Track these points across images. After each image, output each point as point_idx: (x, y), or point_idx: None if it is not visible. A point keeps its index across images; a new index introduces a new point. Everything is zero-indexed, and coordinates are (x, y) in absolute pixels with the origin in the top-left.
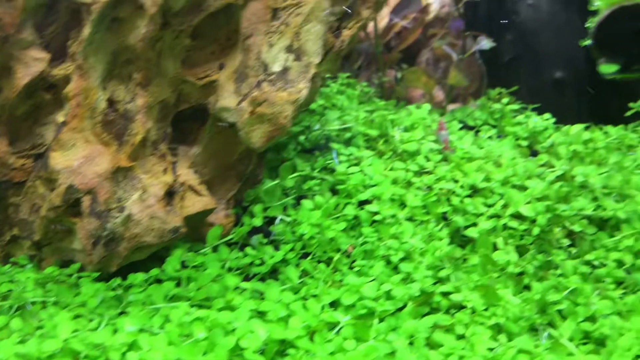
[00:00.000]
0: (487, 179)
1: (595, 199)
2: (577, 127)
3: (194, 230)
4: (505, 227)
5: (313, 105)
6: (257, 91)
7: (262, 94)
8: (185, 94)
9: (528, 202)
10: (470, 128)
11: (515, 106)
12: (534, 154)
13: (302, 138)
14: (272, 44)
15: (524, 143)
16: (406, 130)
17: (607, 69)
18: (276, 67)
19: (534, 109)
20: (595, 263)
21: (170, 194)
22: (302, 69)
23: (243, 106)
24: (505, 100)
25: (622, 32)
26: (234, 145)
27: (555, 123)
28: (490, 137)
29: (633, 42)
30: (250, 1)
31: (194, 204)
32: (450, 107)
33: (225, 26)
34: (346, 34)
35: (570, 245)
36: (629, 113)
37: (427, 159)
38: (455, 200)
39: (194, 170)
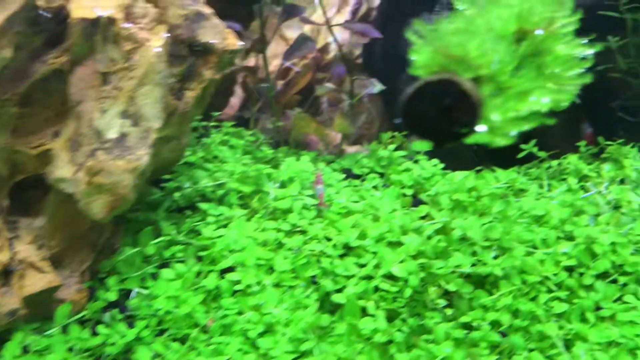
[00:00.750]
0: (362, 236)
1: (474, 253)
2: (462, 174)
3: (43, 309)
4: (376, 289)
5: (192, 158)
6: (92, 160)
7: (97, 163)
8: (20, 164)
9: (402, 261)
10: (356, 177)
11: (403, 152)
12: (418, 203)
13: (177, 195)
14: (105, 109)
15: (409, 192)
16: (283, 185)
17: (420, 146)
18: (112, 134)
19: (427, 153)
20: (474, 324)
21: (6, 274)
22: (141, 134)
23: (79, 176)
24: (392, 145)
25: (429, 109)
26: (83, 215)
27: (452, 168)
28: (375, 187)
29: (440, 119)
30: (76, 66)
31: (36, 282)
32: (351, 149)
33: (57, 92)
34: (189, 95)
35: (446, 306)
36: (520, 155)
37: (301, 217)
38: (325, 262)
39: (39, 244)
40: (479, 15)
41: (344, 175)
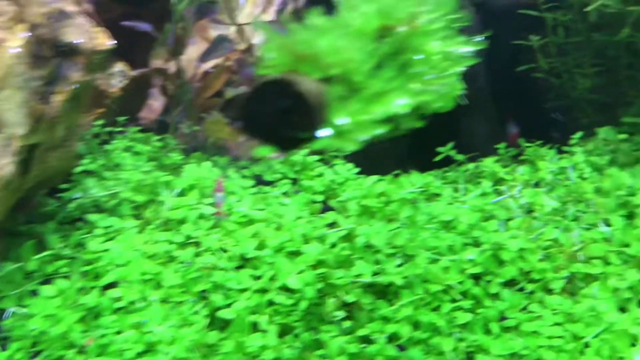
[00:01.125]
0: (261, 246)
1: (377, 261)
2: (374, 178)
3: None
4: (271, 303)
5: (92, 166)
6: None
7: None
8: None
9: (300, 272)
10: (268, 183)
11: (317, 157)
12: (327, 210)
13: (72, 206)
14: None
15: (319, 198)
16: (182, 193)
17: (262, 152)
18: None
19: (347, 157)
20: (372, 337)
21: None
22: (3, 142)
23: None
24: (304, 150)
25: (267, 112)
26: None
27: (372, 171)
28: (285, 193)
29: (278, 123)
30: None
31: None
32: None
33: None
34: (58, 98)
35: (345, 318)
36: (437, 158)
37: (197, 227)
38: (217, 275)
39: None
40: (345, 12)
41: (253, 182)
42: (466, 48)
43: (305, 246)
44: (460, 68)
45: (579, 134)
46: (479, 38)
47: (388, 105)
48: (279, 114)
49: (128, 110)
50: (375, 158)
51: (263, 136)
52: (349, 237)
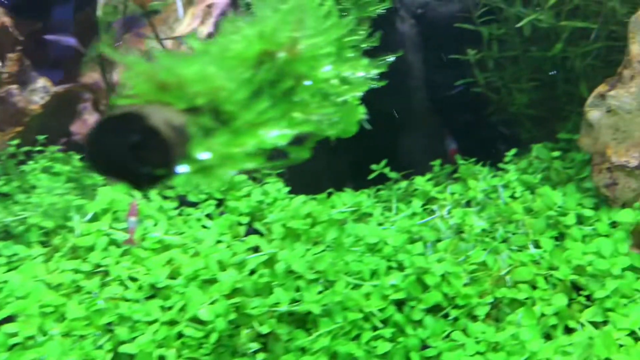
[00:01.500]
0: (174, 275)
1: (298, 288)
2: (302, 198)
3: None
4: (180, 335)
5: (6, 188)
6: None
7: None
8: None
9: (213, 302)
10: (192, 204)
11: (244, 176)
12: (253, 233)
13: None
14: None
15: (245, 220)
16: (95, 217)
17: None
18: None
19: (280, 175)
20: None
21: None
22: None
23: None
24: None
25: (115, 148)
26: None
27: (307, 190)
28: (208, 216)
29: (129, 160)
30: None
31: None
32: None
33: None
34: None
35: (260, 350)
36: (371, 176)
37: (106, 255)
38: (124, 307)
39: None
40: (227, 35)
41: (176, 204)
42: (367, 71)
43: (221, 273)
44: (360, 92)
45: (512, 151)
46: (390, 58)
47: (261, 137)
48: (127, 149)
49: (54, 128)
50: (312, 176)
51: (113, 174)
52: (270, 263)
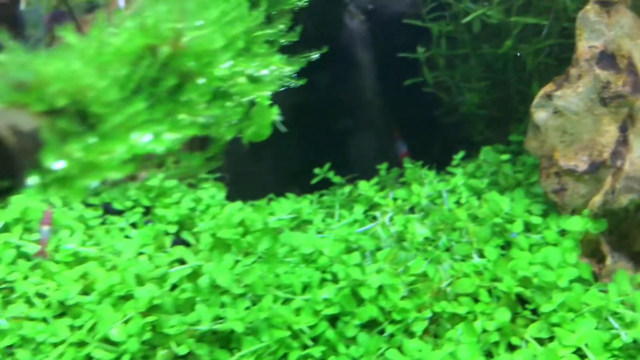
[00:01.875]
0: (87, 291)
1: (223, 304)
2: (236, 205)
3: None
4: (89, 358)
5: None
6: None
7: None
8: None
9: (127, 320)
10: (118, 212)
11: (174, 182)
12: (177, 243)
13: None
14: None
15: (173, 229)
16: (6, 227)
17: None
18: None
19: (218, 179)
20: None
21: None
22: None
23: None
24: (162, 174)
25: None
26: None
27: (246, 196)
28: (133, 225)
29: None
30: None
31: None
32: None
33: None
34: None
35: None
36: (314, 180)
37: (13, 269)
38: (28, 327)
39: None
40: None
41: (101, 212)
42: (280, 68)
43: (138, 289)
44: (269, 91)
45: (460, 154)
46: (315, 54)
47: (133, 142)
48: None
49: None
50: (254, 180)
51: None
52: (194, 276)
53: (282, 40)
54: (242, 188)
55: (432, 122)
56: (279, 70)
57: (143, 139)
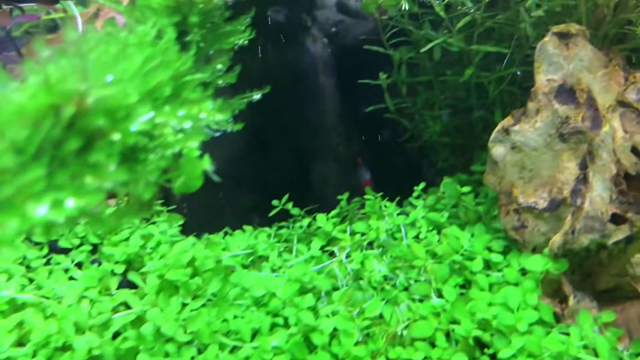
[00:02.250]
0: (23, 342)
1: (167, 354)
2: (187, 242)
3: None
4: None
5: None
6: None
7: None
8: None
9: None
10: (64, 251)
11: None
12: (124, 285)
13: None
14: None
15: (120, 269)
16: None
17: None
18: None
19: (174, 211)
20: None
21: None
22: None
23: None
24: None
25: None
26: None
27: (206, 228)
28: (79, 264)
29: None
30: None
31: None
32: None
33: None
34: None
35: None
36: (272, 213)
37: None
38: None
39: None
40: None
41: (45, 251)
42: (212, 115)
43: (77, 338)
44: (196, 142)
45: (421, 185)
46: (255, 96)
47: (27, 213)
48: None
49: None
50: (213, 211)
51: None
52: (138, 323)
53: (219, 82)
54: (200, 219)
55: (396, 148)
56: (211, 117)
57: (39, 210)
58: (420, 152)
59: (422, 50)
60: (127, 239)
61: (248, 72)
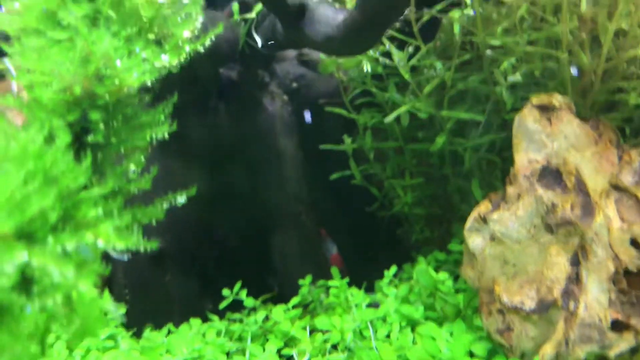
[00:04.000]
0: None
1: None
2: (118, 353)
3: None
4: None
5: None
6: None
7: None
8: None
9: None
10: None
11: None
12: None
13: None
14: None
15: None
16: None
17: None
18: None
19: (121, 298)
20: None
21: None
22: None
23: None
24: None
25: None
26: None
27: (148, 319)
28: None
29: None
30: None
31: None
32: None
33: None
34: None
35: None
36: (222, 304)
37: None
38: None
39: None
40: None
41: None
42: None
43: None
44: (93, 277)
45: (392, 270)
46: (180, 199)
47: None
48: None
49: None
50: (160, 299)
51: None
52: None
53: (132, 188)
54: (144, 306)
55: (366, 218)
56: (110, 243)
57: None
58: (393, 222)
59: (388, 119)
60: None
61: (196, 139)
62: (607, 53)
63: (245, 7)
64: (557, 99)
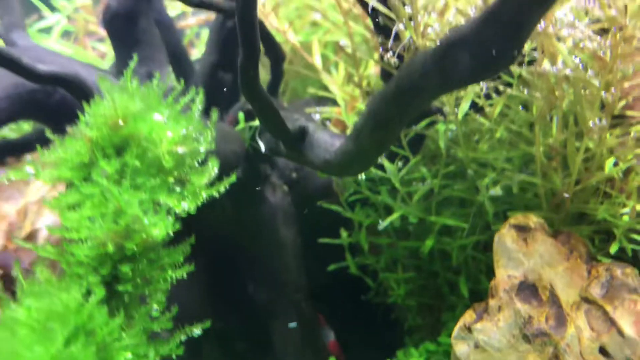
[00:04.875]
0: None
1: None
2: None
3: None
4: None
5: None
6: None
7: None
8: None
9: None
10: None
11: None
12: None
13: None
14: None
15: None
16: None
17: None
18: None
19: None
20: None
21: None
22: None
23: None
24: None
25: None
26: None
27: None
28: None
29: None
30: None
31: None
32: None
33: None
34: None
35: None
36: None
37: None
38: None
39: None
40: None
41: None
42: None
43: None
44: None
45: None
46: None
47: None
48: None
49: None
50: None
51: None
52: None
53: (155, 327)
54: None
55: (361, 306)
56: None
57: None
58: (387, 310)
59: (381, 226)
60: None
61: (205, 235)
62: (577, 175)
63: (250, 115)
64: (532, 220)
